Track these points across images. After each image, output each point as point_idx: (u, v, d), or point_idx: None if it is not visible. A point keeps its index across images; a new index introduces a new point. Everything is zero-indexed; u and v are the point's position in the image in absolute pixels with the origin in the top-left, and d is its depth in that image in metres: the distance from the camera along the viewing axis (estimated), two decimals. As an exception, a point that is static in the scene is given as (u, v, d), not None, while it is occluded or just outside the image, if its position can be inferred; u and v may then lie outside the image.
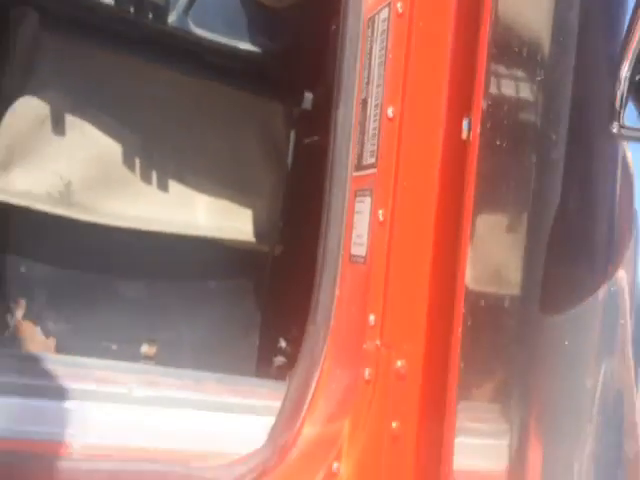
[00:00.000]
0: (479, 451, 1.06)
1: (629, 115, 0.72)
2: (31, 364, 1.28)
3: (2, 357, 1.26)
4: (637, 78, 0.71)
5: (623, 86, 0.69)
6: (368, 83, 1.22)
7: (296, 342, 1.60)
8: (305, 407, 1.17)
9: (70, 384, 1.16)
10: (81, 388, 1.15)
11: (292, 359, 1.66)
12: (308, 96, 1.78)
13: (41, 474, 0.98)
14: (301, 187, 1.72)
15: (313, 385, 1.18)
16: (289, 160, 1.75)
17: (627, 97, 0.69)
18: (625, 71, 0.70)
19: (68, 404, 1.10)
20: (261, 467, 1.12)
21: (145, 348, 1.54)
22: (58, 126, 1.45)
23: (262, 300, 1.69)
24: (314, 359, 1.19)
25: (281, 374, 1.69)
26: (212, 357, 1.56)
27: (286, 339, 1.78)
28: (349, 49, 1.24)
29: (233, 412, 1.25)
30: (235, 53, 1.60)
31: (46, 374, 1.21)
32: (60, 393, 1.11)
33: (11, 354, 1.34)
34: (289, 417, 1.19)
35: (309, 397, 1.18)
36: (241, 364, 1.60)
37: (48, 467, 0.99)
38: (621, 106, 0.70)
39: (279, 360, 1.78)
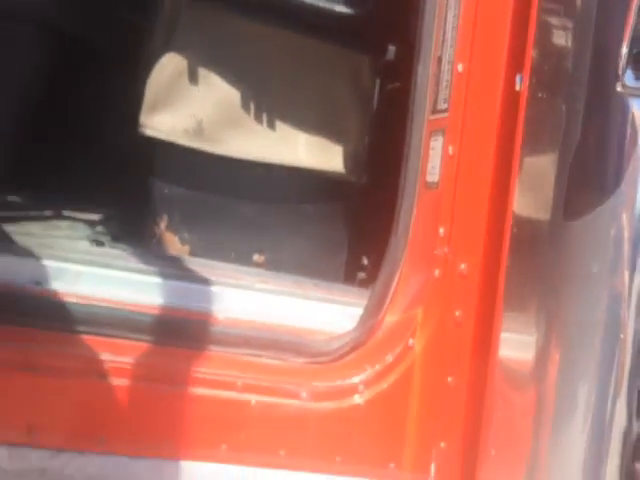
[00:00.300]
0: (518, 343, 1.33)
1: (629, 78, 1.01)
2: (178, 262, 1.66)
3: (156, 256, 1.64)
4: (634, 52, 0.99)
5: (624, 58, 0.98)
6: (443, 43, 1.47)
7: (376, 260, 1.91)
8: (388, 300, 1.45)
9: (209, 275, 1.51)
10: (217, 279, 1.50)
11: (372, 275, 1.97)
12: (391, 49, 2.05)
13: (201, 335, 1.33)
14: (384, 126, 2.00)
15: (394, 283, 1.46)
16: (374, 103, 2.04)
17: (626, 66, 0.98)
18: (624, 48, 0.98)
19: (212, 288, 1.42)
20: (352, 343, 1.43)
21: (256, 257, 1.85)
22: (192, 76, 1.78)
23: (349, 223, 1.96)
24: (395, 263, 1.48)
25: (363, 286, 2.00)
26: (307, 270, 1.81)
27: (368, 258, 2.08)
28: (428, 14, 1.50)
29: (329, 303, 1.56)
30: (331, 14, 1.87)
31: (190, 269, 1.58)
32: (205, 281, 1.46)
33: (160, 255, 1.71)
34: (374, 307, 1.48)
35: (391, 292, 1.46)
36: (330, 277, 1.85)
37: (204, 330, 1.34)
38: (622, 72, 0.98)
39: (361, 275, 2.03)
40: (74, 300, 1.28)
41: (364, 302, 1.52)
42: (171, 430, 1.23)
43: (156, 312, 1.33)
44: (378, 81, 2.02)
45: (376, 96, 2.02)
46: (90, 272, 1.36)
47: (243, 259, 1.83)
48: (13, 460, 1.14)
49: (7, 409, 1.15)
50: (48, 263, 1.33)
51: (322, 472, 1.30)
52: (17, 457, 1.14)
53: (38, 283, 1.29)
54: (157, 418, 1.23)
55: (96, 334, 1.25)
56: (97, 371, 1.20)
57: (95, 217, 1.86)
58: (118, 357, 1.23)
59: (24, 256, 1.35)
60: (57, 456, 1.16)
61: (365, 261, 2.04)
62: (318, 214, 1.92)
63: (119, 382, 1.21)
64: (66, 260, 1.36)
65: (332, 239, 1.95)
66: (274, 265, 1.84)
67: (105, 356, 1.22)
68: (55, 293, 1.28)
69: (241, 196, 1.85)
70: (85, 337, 1.24)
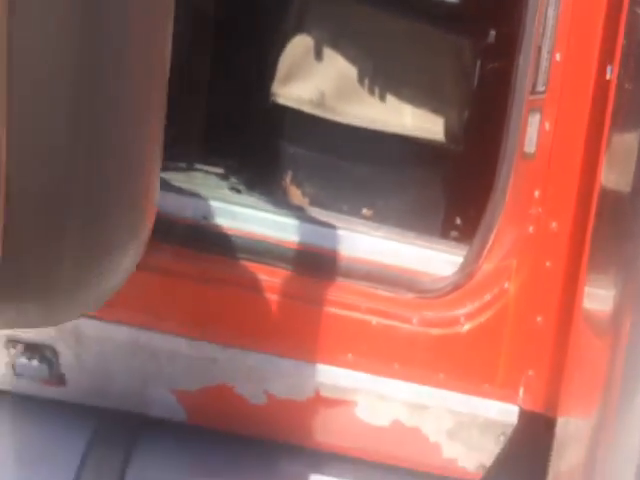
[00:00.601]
0: (600, 294, 1.56)
1: None
2: (305, 210, 1.95)
3: (287, 204, 1.94)
4: None
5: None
6: (543, 35, 1.67)
7: (469, 221, 2.15)
8: (486, 250, 1.67)
9: (333, 222, 1.79)
10: (340, 225, 1.78)
11: (464, 234, 2.21)
12: (492, 33, 2.30)
13: (331, 268, 1.61)
14: (482, 101, 2.24)
15: (492, 237, 1.67)
16: (475, 81, 2.28)
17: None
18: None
19: (338, 231, 1.69)
20: (454, 284, 1.67)
21: (364, 211, 2.13)
22: (318, 54, 2.05)
23: (446, 186, 2.22)
24: (493, 220, 1.69)
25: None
26: (408, 225, 2.04)
27: (462, 218, 2.33)
28: (530, 10, 1.72)
29: (431, 250, 1.80)
30: (440, 3, 2.14)
31: (316, 216, 1.86)
32: (331, 225, 1.74)
33: (288, 203, 2.02)
34: (474, 256, 1.70)
35: (489, 244, 1.67)
36: (427, 233, 2.06)
37: (334, 264, 1.62)
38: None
39: (454, 234, 2.29)
40: (234, 233, 1.58)
41: (460, 252, 1.78)
42: (311, 338, 1.52)
43: (296, 247, 1.62)
44: (479, 61, 2.27)
45: (477, 74, 2.26)
46: (242, 211, 1.66)
47: (354, 212, 2.12)
48: (192, 349, 1.45)
49: (188, 311, 1.47)
50: (211, 203, 1.63)
51: (428, 385, 1.58)
52: (195, 347, 1.46)
53: (205, 218, 1.60)
54: (300, 328, 1.53)
55: (250, 260, 1.56)
56: (255, 287, 1.50)
57: (221, 170, 2.17)
58: (270, 278, 1.54)
59: (190, 196, 1.66)
60: (225, 350, 1.48)
61: (458, 221, 2.30)
62: (419, 177, 2.19)
63: (271, 297, 1.51)
64: (223, 201, 1.67)
65: (430, 199, 2.21)
66: (379, 219, 2.12)
67: (260, 276, 1.52)
68: (219, 227, 1.59)
69: (354, 158, 2.13)
70: (243, 262, 1.55)
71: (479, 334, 1.60)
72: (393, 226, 2.03)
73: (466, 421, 1.60)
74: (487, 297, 1.63)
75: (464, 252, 1.77)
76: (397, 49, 2.15)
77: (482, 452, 1.63)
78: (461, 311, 1.62)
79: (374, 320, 1.57)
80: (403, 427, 1.59)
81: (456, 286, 1.67)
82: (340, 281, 1.61)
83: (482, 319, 1.61)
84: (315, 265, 1.61)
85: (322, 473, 1.64)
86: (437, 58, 2.19)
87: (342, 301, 1.57)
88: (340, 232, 1.72)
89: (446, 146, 2.18)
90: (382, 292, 1.64)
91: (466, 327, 1.60)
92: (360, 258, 1.68)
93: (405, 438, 1.61)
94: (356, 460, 1.64)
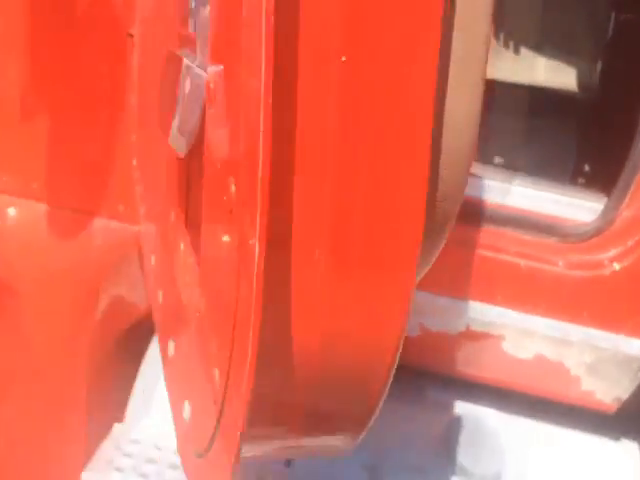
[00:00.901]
0: None
1: None
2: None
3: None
4: None
5: None
6: None
7: (598, 168, 2.22)
8: (627, 198, 1.73)
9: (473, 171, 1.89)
10: (481, 174, 1.88)
11: (591, 181, 2.29)
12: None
13: (479, 215, 1.74)
14: (616, 51, 2.29)
15: (634, 185, 1.73)
16: (609, 32, 2.33)
17: None
18: None
19: (481, 181, 1.81)
20: (597, 229, 1.74)
21: (497, 159, 2.26)
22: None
23: (577, 134, 2.32)
24: (636, 169, 1.78)
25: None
26: (538, 172, 2.11)
27: (590, 166, 2.41)
28: None
29: (569, 197, 1.89)
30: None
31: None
32: (473, 174, 1.85)
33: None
34: (615, 204, 1.75)
35: (630, 192, 1.75)
36: (557, 180, 2.12)
37: (481, 212, 1.74)
38: None
39: (581, 180, 2.39)
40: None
41: (592, 198, 1.85)
42: (465, 278, 1.66)
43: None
44: (613, 13, 2.31)
45: (610, 26, 2.31)
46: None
47: (486, 160, 2.22)
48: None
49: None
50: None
51: (572, 322, 1.69)
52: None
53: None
54: (455, 269, 1.66)
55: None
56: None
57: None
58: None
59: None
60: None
61: (587, 168, 2.37)
62: (551, 125, 2.28)
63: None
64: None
65: (561, 147, 2.30)
66: (511, 167, 2.21)
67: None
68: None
69: (488, 108, 2.20)
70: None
71: (622, 276, 1.69)
72: (525, 173, 2.12)
73: (606, 356, 1.71)
74: (630, 242, 1.71)
75: (596, 198, 1.84)
76: (531, 3, 2.22)
77: (619, 386, 1.74)
78: (605, 255, 1.71)
79: (522, 263, 1.68)
80: (546, 361, 1.71)
81: (598, 231, 1.76)
82: (489, 227, 1.72)
83: (625, 263, 1.70)
84: (465, 212, 1.71)
85: (468, 402, 1.79)
86: (570, 11, 2.25)
87: (493, 245, 1.69)
88: (483, 181, 1.83)
89: (578, 96, 2.25)
90: (528, 237, 1.74)
91: (610, 270, 1.70)
92: (504, 205, 1.78)
93: (547, 371, 1.73)
94: (499, 390, 1.78)
